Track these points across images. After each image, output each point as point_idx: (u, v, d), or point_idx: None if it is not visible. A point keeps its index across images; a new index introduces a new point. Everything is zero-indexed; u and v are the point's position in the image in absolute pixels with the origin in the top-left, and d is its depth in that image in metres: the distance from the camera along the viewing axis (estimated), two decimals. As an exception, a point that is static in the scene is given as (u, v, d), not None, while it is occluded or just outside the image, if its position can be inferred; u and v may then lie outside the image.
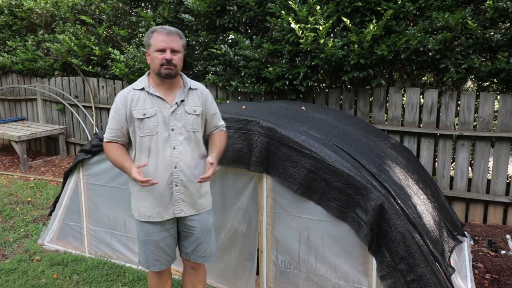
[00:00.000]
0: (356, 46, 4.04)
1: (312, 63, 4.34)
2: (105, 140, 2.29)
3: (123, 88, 6.16)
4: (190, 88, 2.30)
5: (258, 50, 4.53)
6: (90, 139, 6.26)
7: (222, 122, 2.47)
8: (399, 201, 2.58)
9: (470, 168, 4.36)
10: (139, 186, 2.23)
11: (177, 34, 2.20)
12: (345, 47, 4.19)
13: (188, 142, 2.24)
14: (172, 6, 5.32)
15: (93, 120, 6.53)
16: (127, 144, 2.31)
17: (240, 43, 4.62)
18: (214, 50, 4.92)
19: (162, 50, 2.16)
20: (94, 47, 5.90)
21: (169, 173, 2.21)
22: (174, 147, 2.21)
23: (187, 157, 2.24)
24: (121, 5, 6.05)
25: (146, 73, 2.30)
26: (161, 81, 2.22)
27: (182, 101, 2.24)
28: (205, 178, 2.13)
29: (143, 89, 2.23)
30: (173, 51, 2.17)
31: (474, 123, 4.16)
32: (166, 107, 2.21)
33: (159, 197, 2.23)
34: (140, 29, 5.59)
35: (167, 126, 2.20)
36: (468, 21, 3.74)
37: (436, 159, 4.40)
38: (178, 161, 2.22)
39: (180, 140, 2.22)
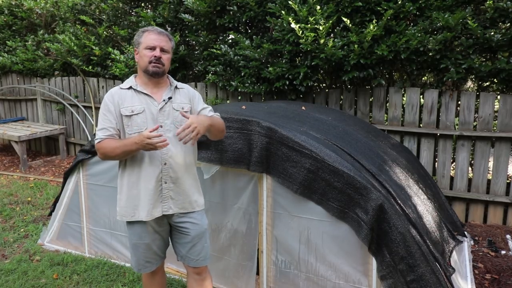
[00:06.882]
0: (356, 46, 4.04)
1: (312, 63, 4.34)
2: (98, 141, 2.20)
3: (123, 88, 6.16)
4: (176, 87, 2.33)
5: (258, 50, 4.53)
6: (90, 139, 6.26)
7: (214, 113, 2.42)
8: (399, 201, 2.58)
9: (470, 168, 4.36)
10: (129, 185, 2.24)
11: (167, 35, 2.27)
12: (345, 47, 4.19)
13: (177, 139, 2.22)
14: (172, 6, 5.32)
15: (93, 120, 6.53)
16: None
17: (240, 43, 4.62)
18: (214, 50, 4.91)
19: (152, 48, 2.20)
20: (94, 47, 5.90)
21: (159, 170, 2.21)
22: None
23: (177, 153, 2.24)
24: (121, 5, 6.04)
25: (133, 75, 2.33)
26: (148, 79, 2.25)
27: (170, 98, 2.26)
28: (182, 130, 2.04)
29: (130, 87, 2.25)
30: (163, 50, 2.22)
31: (474, 123, 4.16)
32: (154, 104, 2.23)
33: (149, 194, 2.22)
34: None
35: (155, 123, 2.21)
36: (468, 21, 3.74)
37: (436, 159, 4.40)
38: (168, 158, 2.21)
39: (169, 137, 2.22)
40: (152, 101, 2.23)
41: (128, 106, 2.20)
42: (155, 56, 2.18)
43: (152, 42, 2.20)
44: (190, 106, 2.33)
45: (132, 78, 2.31)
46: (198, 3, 4.80)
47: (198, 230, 2.33)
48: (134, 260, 2.35)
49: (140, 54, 2.23)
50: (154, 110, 2.22)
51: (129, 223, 2.30)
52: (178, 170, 2.25)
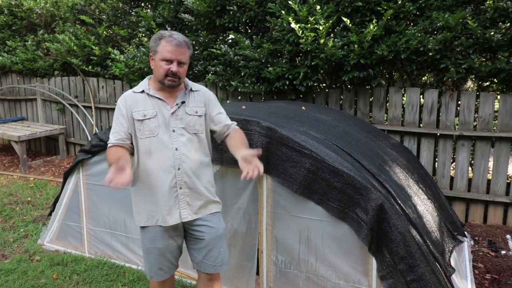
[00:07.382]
0: (356, 46, 4.04)
1: (312, 63, 4.34)
2: (109, 145, 2.18)
3: (122, 88, 6.17)
4: (191, 90, 2.27)
5: (258, 50, 4.53)
6: (90, 139, 6.26)
7: (231, 121, 2.38)
8: (399, 201, 2.58)
9: (470, 168, 4.36)
10: (143, 190, 2.20)
11: (185, 45, 2.14)
12: (345, 47, 4.19)
13: (191, 143, 2.20)
14: (172, 6, 5.32)
15: (93, 120, 6.53)
16: (132, 149, 2.23)
17: (240, 43, 4.62)
18: (214, 50, 4.91)
19: (169, 61, 2.11)
20: (94, 47, 5.90)
21: (172, 175, 2.16)
22: (176, 148, 2.16)
23: (190, 158, 2.19)
24: (121, 5, 6.04)
25: (147, 77, 2.28)
26: (163, 88, 2.20)
27: (183, 102, 2.21)
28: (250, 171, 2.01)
29: (143, 91, 2.21)
30: (180, 63, 2.12)
31: (474, 123, 4.16)
32: (166, 108, 2.18)
33: (164, 200, 2.17)
34: (140, 29, 5.59)
35: (168, 127, 2.17)
36: (468, 21, 3.74)
37: (436, 159, 4.40)
38: (181, 163, 2.16)
39: (182, 141, 2.17)
40: (165, 105, 2.18)
41: (140, 110, 2.17)
42: (172, 71, 2.10)
43: (169, 55, 2.09)
44: (205, 109, 2.27)
45: (145, 81, 2.25)
46: (198, 3, 4.80)
47: (214, 234, 2.26)
48: (147, 267, 2.29)
49: (156, 63, 2.15)
50: (166, 114, 2.18)
51: (143, 228, 2.25)
52: (192, 174, 2.20)
